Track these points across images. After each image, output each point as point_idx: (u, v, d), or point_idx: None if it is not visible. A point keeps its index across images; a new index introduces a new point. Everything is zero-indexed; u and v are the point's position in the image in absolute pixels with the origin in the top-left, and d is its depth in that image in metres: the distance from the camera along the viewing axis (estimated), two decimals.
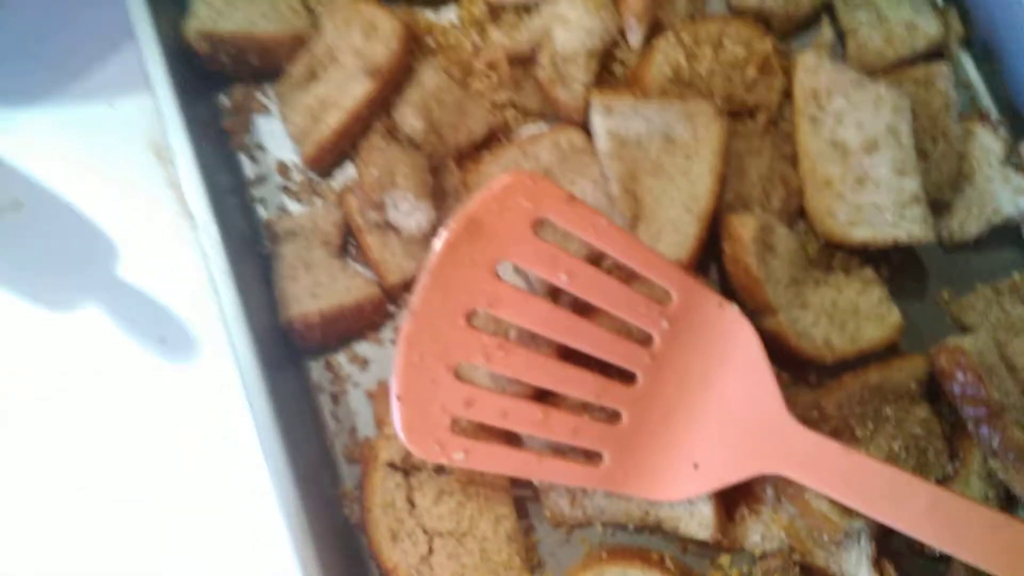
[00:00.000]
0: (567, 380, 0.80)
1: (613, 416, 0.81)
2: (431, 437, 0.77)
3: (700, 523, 0.82)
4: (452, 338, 0.76)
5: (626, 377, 0.81)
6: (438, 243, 0.75)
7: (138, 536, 0.89)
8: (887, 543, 0.83)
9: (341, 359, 0.91)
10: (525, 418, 0.79)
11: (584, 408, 0.82)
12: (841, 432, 0.83)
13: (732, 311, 0.81)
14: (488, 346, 0.77)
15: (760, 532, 0.83)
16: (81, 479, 0.90)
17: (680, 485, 0.81)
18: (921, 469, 0.83)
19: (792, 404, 0.82)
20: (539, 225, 0.77)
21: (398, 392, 0.76)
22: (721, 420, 0.80)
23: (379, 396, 0.88)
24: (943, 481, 0.84)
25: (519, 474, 0.81)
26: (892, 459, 0.83)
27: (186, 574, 0.88)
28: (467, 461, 0.79)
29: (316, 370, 0.91)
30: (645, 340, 0.81)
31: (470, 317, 0.77)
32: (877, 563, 0.80)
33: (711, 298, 0.81)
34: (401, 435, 0.77)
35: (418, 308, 0.76)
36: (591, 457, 0.82)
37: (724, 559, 0.85)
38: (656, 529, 0.85)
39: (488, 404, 0.78)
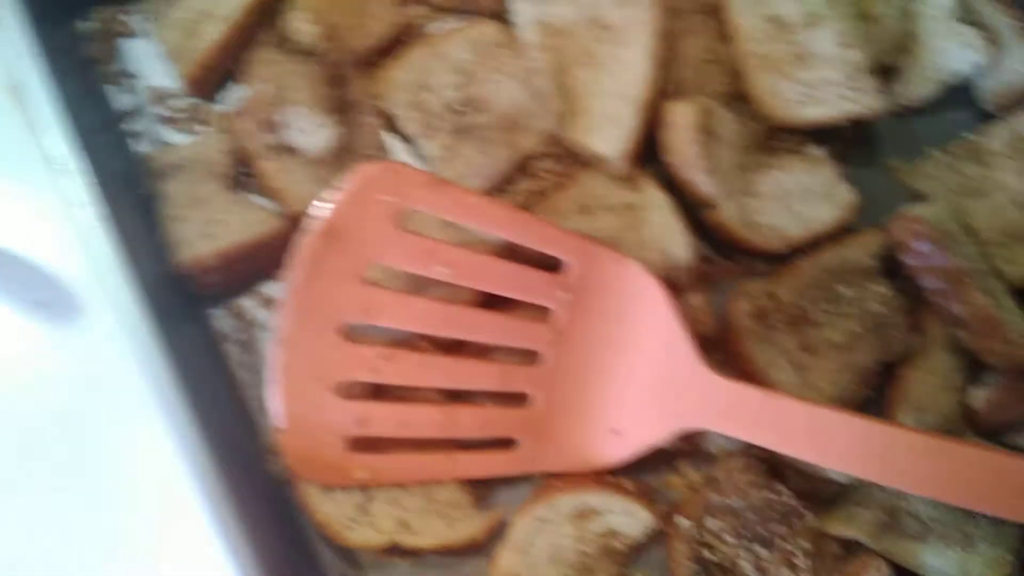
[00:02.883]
0: (465, 375, 0.77)
1: (523, 398, 0.78)
2: (327, 464, 0.75)
3: None
4: (329, 358, 0.73)
5: (531, 356, 0.78)
6: (295, 259, 0.71)
7: (32, 523, 0.82)
8: None
9: (247, 303, 0.84)
10: (427, 423, 0.77)
11: (491, 396, 0.79)
12: (798, 320, 0.80)
13: (634, 267, 0.77)
14: (371, 359, 0.74)
15: None
16: None
17: (602, 455, 0.78)
18: (883, 347, 0.80)
19: (742, 303, 0.80)
20: (403, 217, 0.72)
21: (281, 425, 0.73)
22: (636, 382, 0.77)
23: None
24: (907, 358, 0.81)
25: (432, 478, 0.78)
26: (852, 341, 0.80)
27: (94, 557, 0.82)
28: (373, 479, 0.76)
29: (219, 318, 0.84)
30: (544, 315, 0.77)
31: (345, 332, 0.73)
32: None
33: (610, 257, 0.77)
34: (293, 469, 0.74)
35: (286, 334, 0.72)
36: (506, 443, 0.79)
37: (683, 464, 0.82)
38: None
39: (383, 418, 0.76)
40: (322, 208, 0.71)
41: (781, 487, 0.78)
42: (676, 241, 0.80)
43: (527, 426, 0.78)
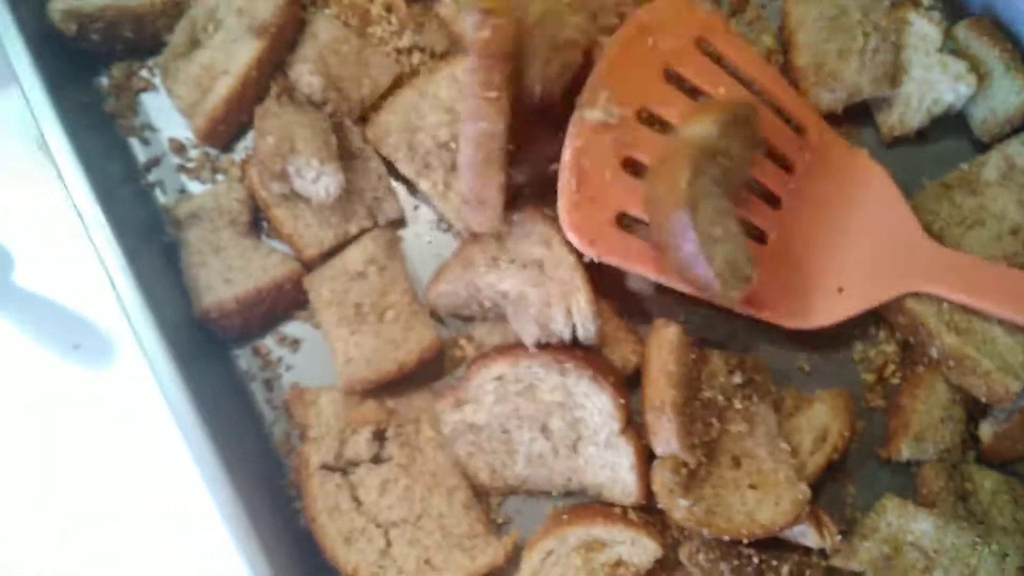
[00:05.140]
0: None
1: (760, 235, 0.79)
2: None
3: (623, 491, 0.77)
4: (626, 134, 0.74)
5: (772, 200, 0.80)
6: (611, 42, 0.75)
7: (70, 554, 0.83)
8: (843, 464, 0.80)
9: (269, 343, 0.83)
10: None
11: None
12: None
13: (861, 153, 0.83)
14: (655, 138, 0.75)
15: None
16: (5, 496, 0.84)
17: (825, 309, 0.80)
18: None
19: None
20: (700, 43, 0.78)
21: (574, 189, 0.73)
22: (861, 247, 0.80)
23: (295, 401, 0.80)
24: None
25: (667, 275, 0.75)
26: None
27: None
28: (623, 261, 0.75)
29: (244, 358, 0.83)
30: (787, 167, 0.80)
31: (640, 114, 0.75)
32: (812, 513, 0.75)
33: (840, 141, 0.83)
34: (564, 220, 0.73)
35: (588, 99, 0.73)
36: None
37: None
38: (582, 494, 0.80)
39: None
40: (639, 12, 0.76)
41: (745, 549, 0.75)
42: None
43: (761, 263, 0.76)
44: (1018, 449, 0.78)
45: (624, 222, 0.74)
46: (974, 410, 0.80)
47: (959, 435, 0.79)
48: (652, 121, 0.76)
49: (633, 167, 0.74)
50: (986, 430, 0.79)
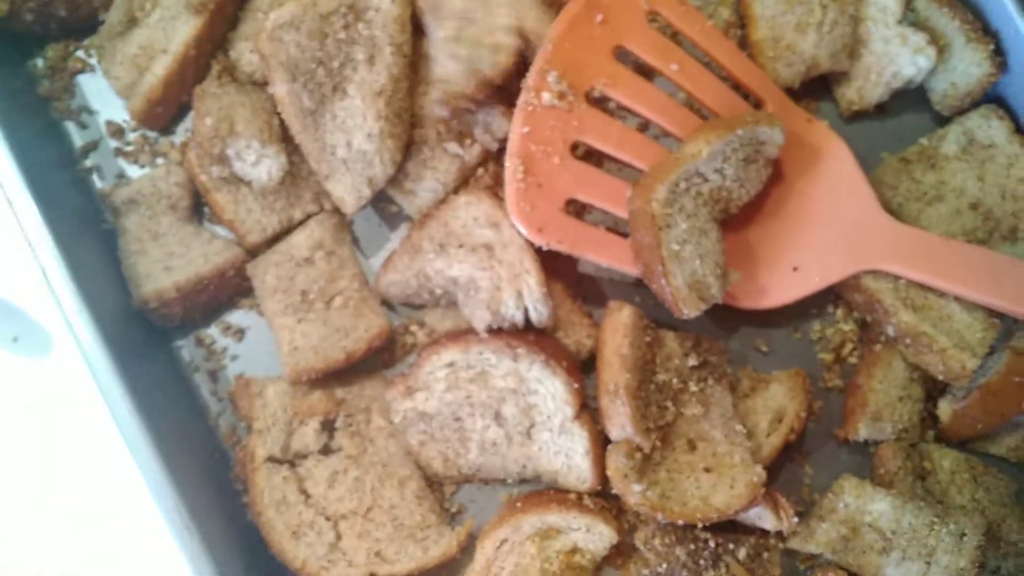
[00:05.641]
0: None
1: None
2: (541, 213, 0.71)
3: (578, 477, 0.75)
4: (574, 117, 0.72)
5: None
6: (557, 21, 0.72)
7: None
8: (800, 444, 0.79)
9: (213, 332, 0.80)
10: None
11: None
12: None
13: (821, 126, 0.79)
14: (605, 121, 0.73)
15: None
16: None
17: (781, 289, 0.77)
18: None
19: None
20: (651, 17, 0.76)
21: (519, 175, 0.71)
22: (817, 224, 0.78)
23: (240, 392, 0.77)
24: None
25: (617, 262, 0.74)
26: None
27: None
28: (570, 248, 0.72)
29: (187, 348, 0.80)
30: None
31: (589, 95, 0.73)
32: (769, 496, 0.73)
33: (800, 113, 0.79)
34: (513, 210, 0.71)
35: (535, 82, 0.71)
36: None
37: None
38: (537, 481, 0.78)
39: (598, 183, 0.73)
40: None
41: (701, 533, 0.74)
42: None
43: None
44: (977, 427, 0.76)
45: (572, 208, 0.72)
46: (932, 388, 0.79)
47: (917, 414, 0.78)
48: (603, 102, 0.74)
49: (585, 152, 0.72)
50: (944, 408, 0.77)
